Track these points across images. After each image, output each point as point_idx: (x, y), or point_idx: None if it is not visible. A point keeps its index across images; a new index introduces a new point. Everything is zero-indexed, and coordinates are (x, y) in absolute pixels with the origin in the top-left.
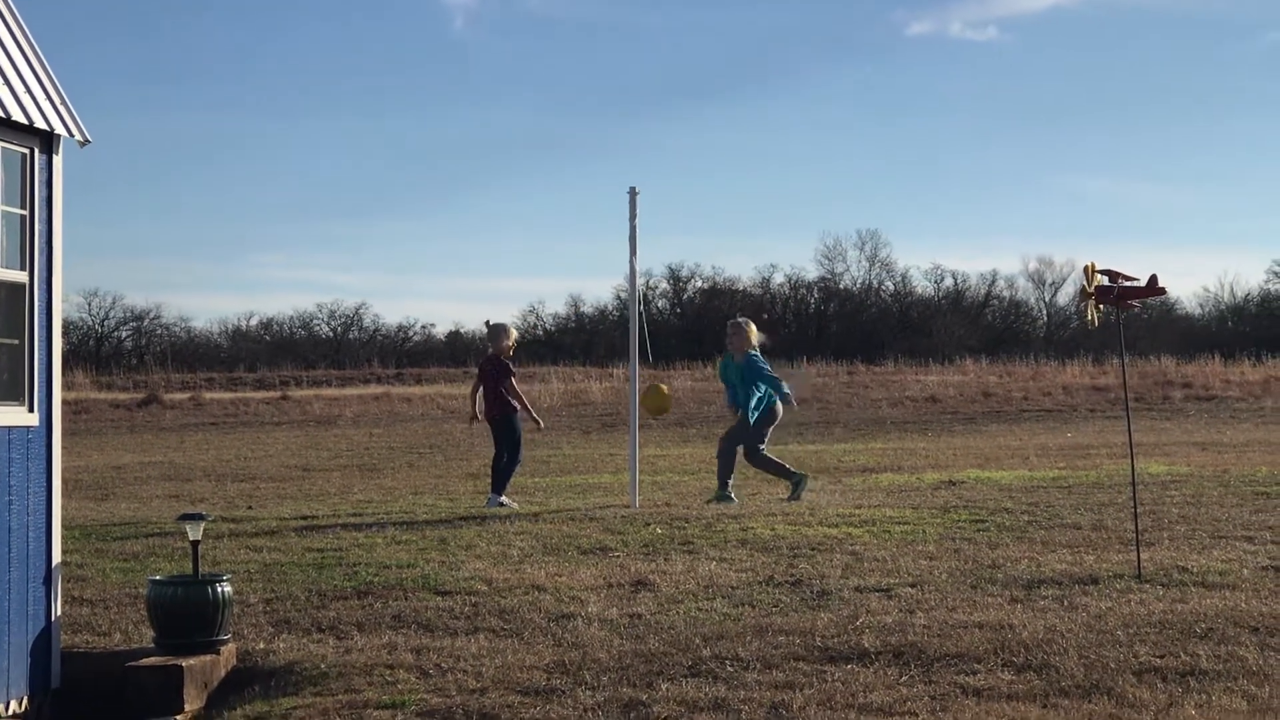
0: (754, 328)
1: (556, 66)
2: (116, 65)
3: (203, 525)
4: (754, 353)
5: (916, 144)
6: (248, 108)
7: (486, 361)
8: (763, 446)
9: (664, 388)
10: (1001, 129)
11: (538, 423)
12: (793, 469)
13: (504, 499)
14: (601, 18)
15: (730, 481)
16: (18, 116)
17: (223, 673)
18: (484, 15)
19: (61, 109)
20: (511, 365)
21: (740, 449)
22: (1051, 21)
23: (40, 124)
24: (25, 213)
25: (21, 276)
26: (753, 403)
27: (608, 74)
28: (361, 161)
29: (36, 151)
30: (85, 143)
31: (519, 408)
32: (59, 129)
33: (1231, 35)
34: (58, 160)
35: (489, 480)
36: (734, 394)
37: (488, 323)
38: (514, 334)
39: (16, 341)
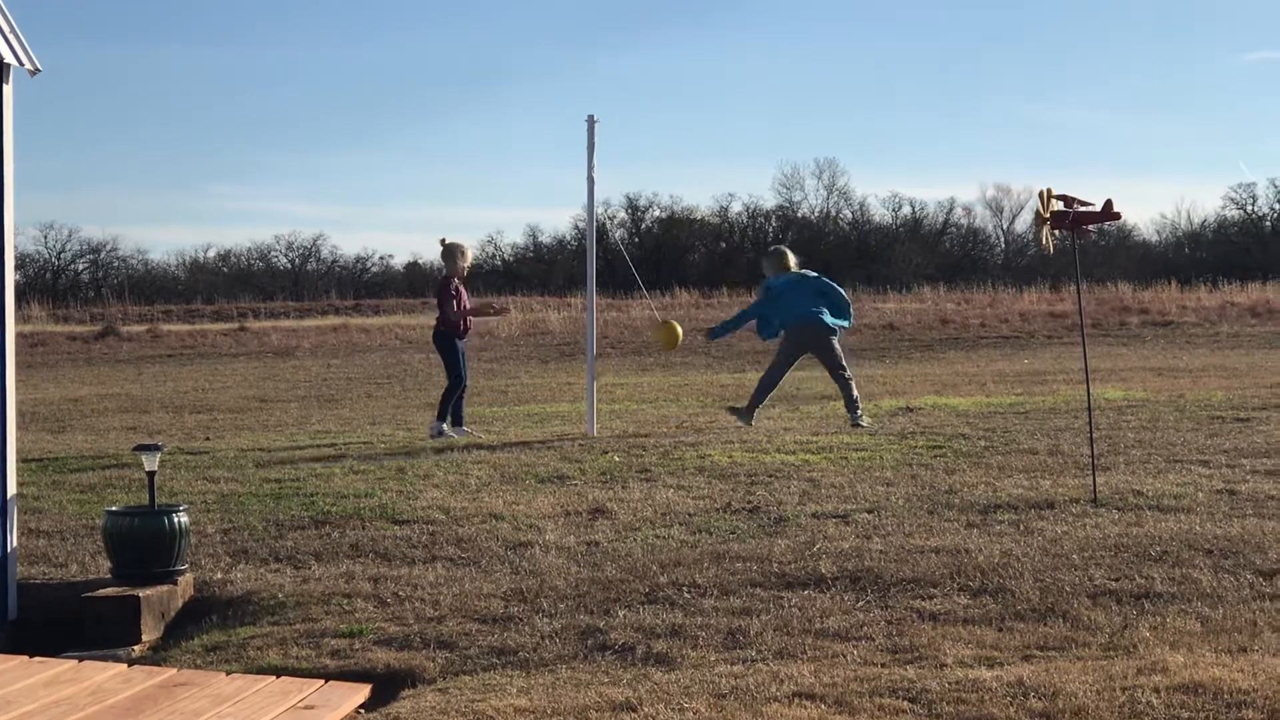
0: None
1: None
2: None
3: (159, 456)
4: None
5: (875, 72)
6: (200, 38)
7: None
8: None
9: (675, 325)
10: (959, 57)
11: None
12: (754, 408)
13: (445, 426)
14: None
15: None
16: None
17: (180, 603)
18: None
19: (11, 38)
20: (451, 286)
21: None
22: None
23: None
24: None
25: None
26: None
27: (560, 1)
28: (317, 92)
29: None
30: (36, 71)
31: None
32: (9, 58)
33: None
34: (8, 89)
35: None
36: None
37: (443, 241)
38: (469, 254)
39: None
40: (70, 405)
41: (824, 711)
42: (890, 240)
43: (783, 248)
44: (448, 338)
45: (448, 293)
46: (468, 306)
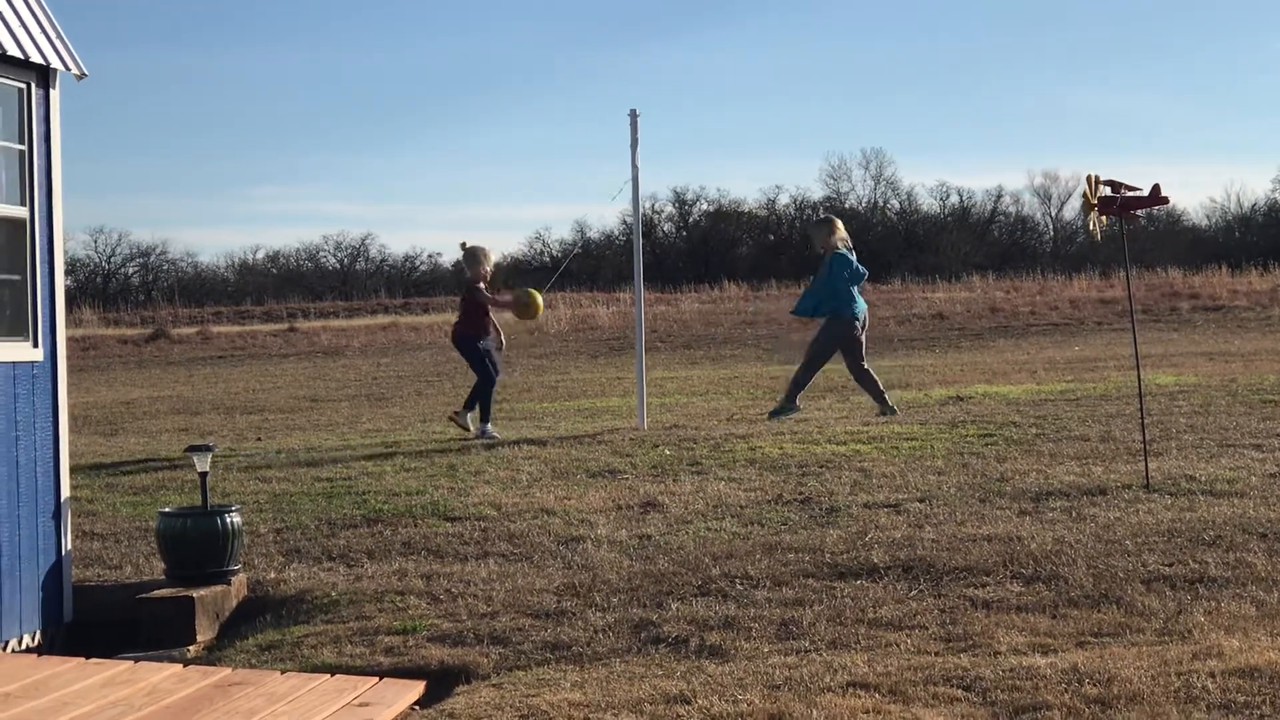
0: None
1: None
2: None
3: (210, 456)
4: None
5: (920, 61)
6: (245, 41)
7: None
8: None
9: (536, 295)
10: (1005, 44)
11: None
12: (883, 394)
13: (487, 426)
14: None
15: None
16: (13, 51)
17: (234, 603)
18: None
19: (58, 43)
20: (483, 290)
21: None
22: None
23: (36, 59)
24: (23, 148)
25: (22, 212)
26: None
27: None
28: (363, 93)
29: (33, 86)
30: (82, 76)
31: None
32: (55, 63)
33: None
34: (55, 94)
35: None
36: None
37: (463, 245)
38: (491, 257)
39: (19, 277)
40: (122, 408)
41: (878, 701)
42: (938, 229)
43: (834, 218)
44: (466, 340)
45: (474, 300)
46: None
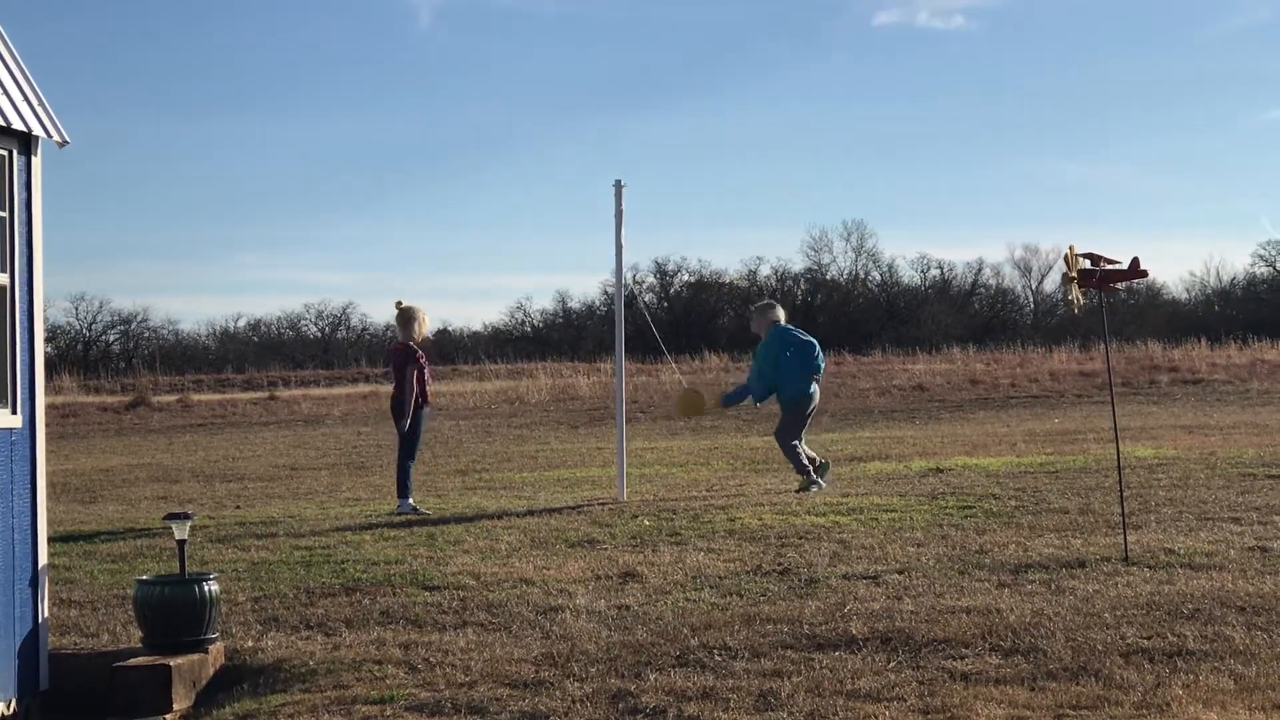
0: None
1: (535, 61)
2: (94, 67)
3: (189, 524)
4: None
5: (900, 133)
6: (227, 109)
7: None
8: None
9: (702, 393)
10: (983, 117)
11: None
12: (807, 467)
13: (412, 501)
14: (576, 12)
15: (810, 464)
16: None
17: (211, 671)
18: (450, 12)
19: (40, 110)
20: (418, 351)
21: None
22: (1018, 8)
23: (18, 126)
24: (4, 215)
25: (1, 279)
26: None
27: (586, 68)
28: (343, 162)
29: (15, 153)
30: (64, 144)
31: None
32: (37, 130)
33: (1203, 19)
34: (36, 162)
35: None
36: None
37: (399, 305)
38: (425, 319)
39: None
40: (101, 475)
41: None
42: (919, 301)
43: (773, 301)
44: (418, 409)
45: (415, 360)
46: (429, 374)
